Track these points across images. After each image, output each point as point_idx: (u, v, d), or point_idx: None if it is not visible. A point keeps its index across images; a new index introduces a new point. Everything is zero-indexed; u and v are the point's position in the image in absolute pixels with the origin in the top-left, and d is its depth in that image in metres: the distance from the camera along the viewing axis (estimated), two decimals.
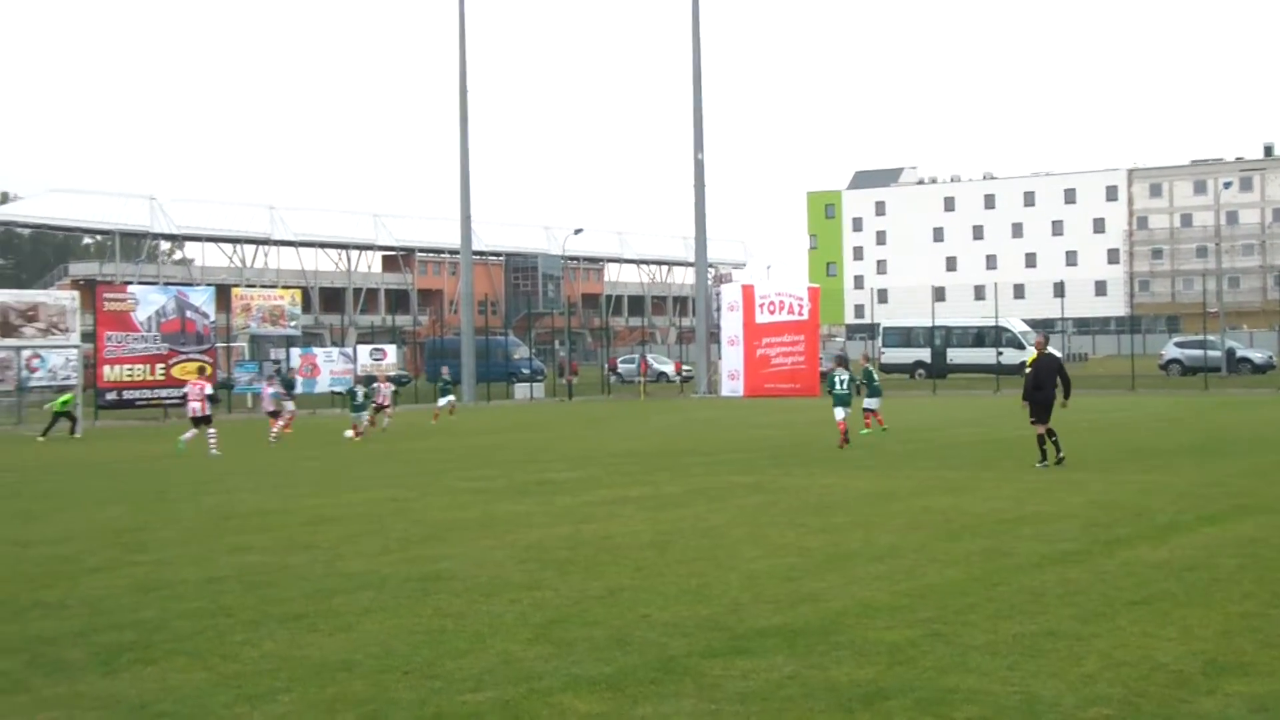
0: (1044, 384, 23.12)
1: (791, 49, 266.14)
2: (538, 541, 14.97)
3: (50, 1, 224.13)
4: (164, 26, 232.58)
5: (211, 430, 30.98)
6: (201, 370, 45.79)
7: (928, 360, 74.73)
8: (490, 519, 17.23)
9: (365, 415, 37.10)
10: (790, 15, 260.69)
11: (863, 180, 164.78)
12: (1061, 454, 22.83)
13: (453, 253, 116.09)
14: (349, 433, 35.48)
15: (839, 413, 29.38)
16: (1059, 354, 24.76)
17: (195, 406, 31.45)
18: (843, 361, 31.62)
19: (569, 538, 15.22)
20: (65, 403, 41.52)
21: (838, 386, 30.00)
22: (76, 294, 51.43)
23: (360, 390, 38.19)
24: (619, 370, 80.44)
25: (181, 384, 46.02)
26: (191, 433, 31.20)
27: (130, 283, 68.60)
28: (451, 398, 44.72)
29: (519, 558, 13.77)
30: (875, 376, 34.00)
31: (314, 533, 16.19)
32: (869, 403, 33.41)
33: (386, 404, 39.62)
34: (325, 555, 14.25)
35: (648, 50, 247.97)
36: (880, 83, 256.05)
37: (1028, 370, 23.80)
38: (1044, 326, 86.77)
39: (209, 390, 32.02)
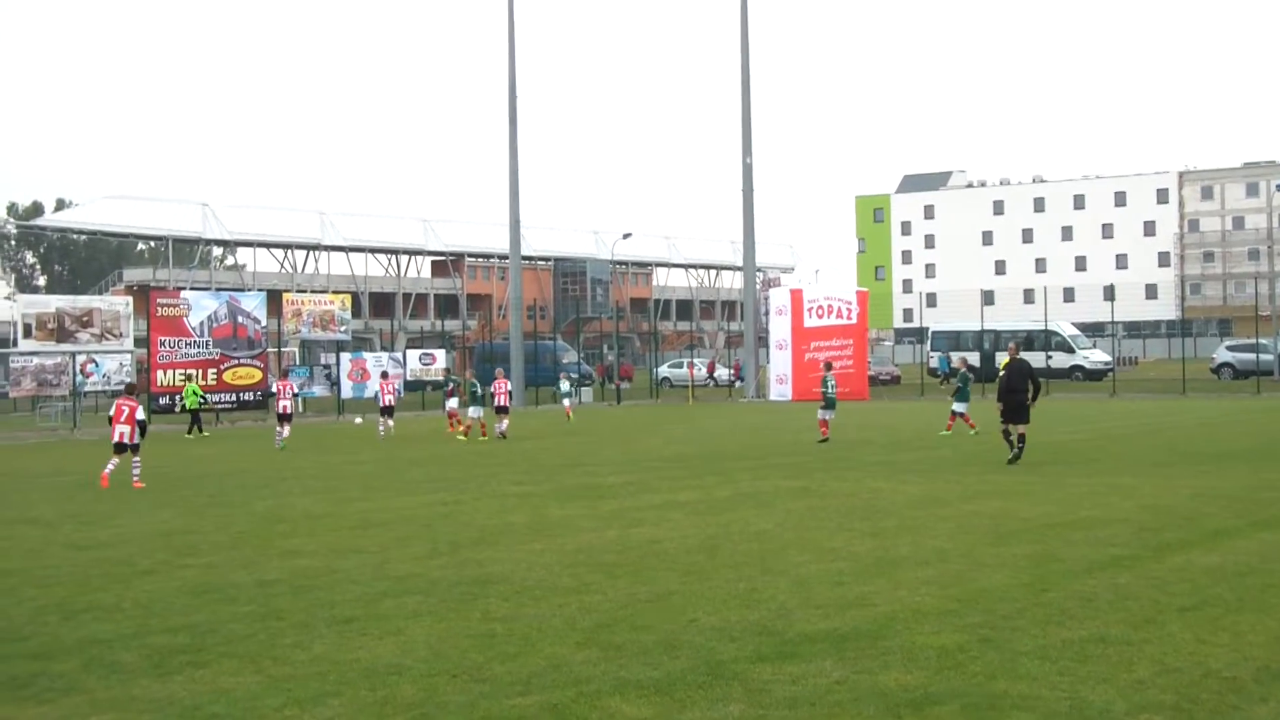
0: (1016, 387, 24.67)
1: (840, 52, 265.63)
2: (586, 546, 14.99)
3: (105, 12, 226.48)
4: (216, 35, 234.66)
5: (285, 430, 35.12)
6: (287, 372, 46.20)
7: (976, 364, 74.27)
8: (538, 523, 17.27)
9: (479, 411, 37.28)
10: (839, 18, 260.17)
11: (911, 184, 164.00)
12: (1018, 453, 24.19)
13: (502, 257, 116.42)
14: (461, 435, 36.28)
15: (825, 414, 32.23)
16: (1028, 359, 26.93)
17: (285, 405, 35.85)
18: (964, 363, 35.91)
19: (617, 542, 15.24)
20: (194, 393, 44.71)
21: (829, 390, 33.06)
22: (130, 299, 52.06)
23: (476, 383, 38.73)
24: (714, 375, 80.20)
25: (233, 389, 46.41)
26: (286, 430, 35.19)
27: (183, 288, 69.23)
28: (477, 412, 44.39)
29: (567, 562, 13.80)
30: (969, 380, 35.31)
31: (363, 537, 16.28)
32: (957, 406, 34.12)
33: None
34: (374, 559, 14.33)
35: (696, 54, 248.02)
36: (929, 86, 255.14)
37: (1001, 374, 25.53)
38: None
39: (294, 390, 34.15)
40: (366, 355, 59.66)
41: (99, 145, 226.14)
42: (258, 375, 51.07)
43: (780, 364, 62.54)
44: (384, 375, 43.29)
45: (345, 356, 56.83)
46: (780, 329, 62.69)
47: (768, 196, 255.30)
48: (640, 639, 9.98)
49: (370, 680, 8.90)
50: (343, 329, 58.02)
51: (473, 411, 37.06)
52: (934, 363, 74.92)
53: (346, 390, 54.90)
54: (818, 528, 16.19)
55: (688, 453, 29.77)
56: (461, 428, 36.93)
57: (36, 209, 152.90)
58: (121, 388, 31.05)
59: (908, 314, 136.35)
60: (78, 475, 27.19)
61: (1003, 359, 27.61)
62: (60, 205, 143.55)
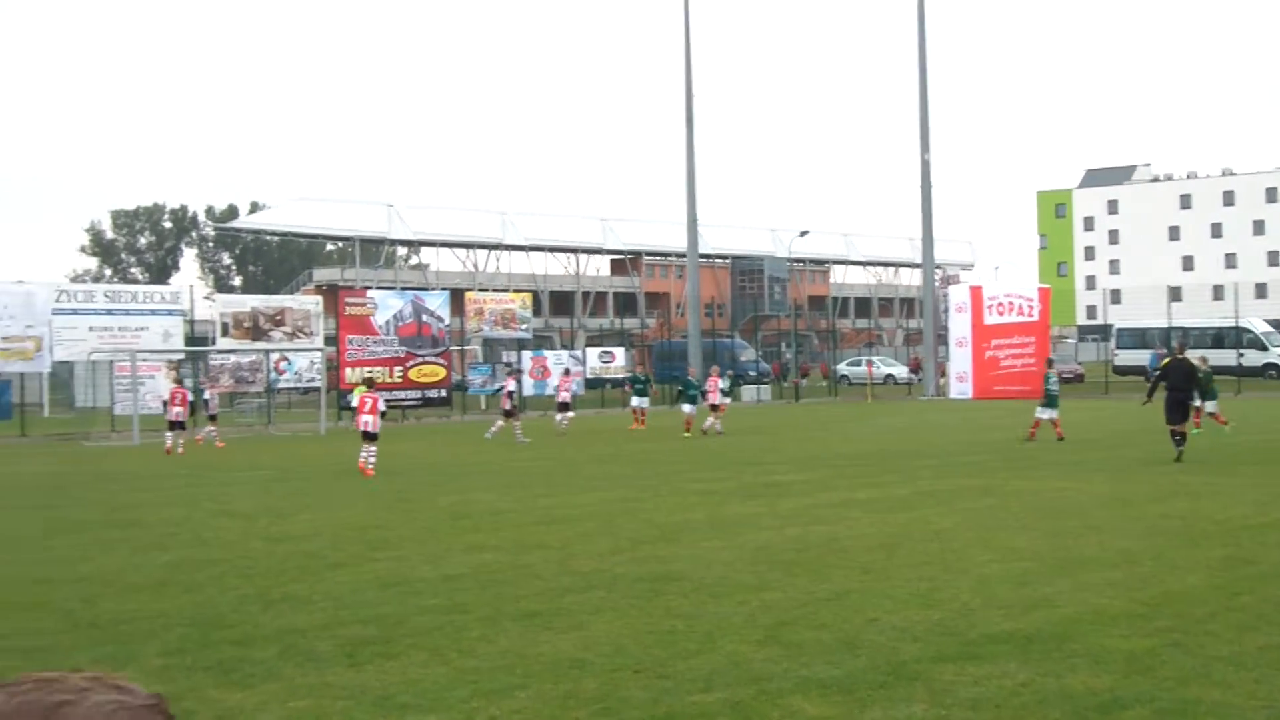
0: (1178, 386, 24.68)
1: (1020, 45, 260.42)
2: (766, 543, 15.02)
3: (289, 24, 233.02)
4: (397, 41, 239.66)
5: (517, 423, 36.05)
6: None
7: (1158, 363, 72.31)
8: (719, 520, 17.34)
9: (693, 408, 37.46)
10: (1019, 10, 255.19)
11: (1094, 178, 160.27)
12: (1180, 455, 24.12)
13: (679, 256, 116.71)
14: (686, 433, 36.60)
15: (1045, 413, 31.33)
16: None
17: (506, 402, 37.02)
18: (1050, 364, 34.20)
19: (797, 540, 15.24)
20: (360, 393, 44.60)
21: (1052, 387, 32.24)
22: (320, 299, 53.52)
23: (693, 380, 38.97)
24: (919, 373, 78.95)
25: (418, 387, 47.39)
26: (499, 425, 36.43)
27: (369, 287, 70.77)
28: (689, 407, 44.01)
29: (747, 559, 13.84)
30: (1212, 378, 34.47)
31: (546, 532, 16.52)
32: (1208, 405, 33.30)
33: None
34: (558, 554, 14.54)
35: (873, 50, 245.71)
36: (1112, 78, 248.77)
37: (1155, 374, 25.70)
38: None
39: (512, 387, 36.36)
40: (547, 353, 60.40)
41: (290, 149, 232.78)
42: (441, 373, 52.08)
43: (960, 361, 61.82)
44: (566, 372, 43.84)
45: (526, 354, 57.61)
46: (960, 326, 61.94)
47: (946, 193, 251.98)
48: (821, 637, 9.98)
49: (554, 674, 9.05)
50: (523, 327, 58.82)
51: (686, 408, 37.12)
52: (1121, 359, 73.08)
53: (528, 387, 55.67)
54: (1000, 527, 15.98)
55: (867, 451, 29.58)
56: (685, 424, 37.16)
57: (232, 212, 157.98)
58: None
59: (1091, 311, 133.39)
60: (272, 470, 28.05)
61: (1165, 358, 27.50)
62: (254, 208, 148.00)
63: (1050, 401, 31.85)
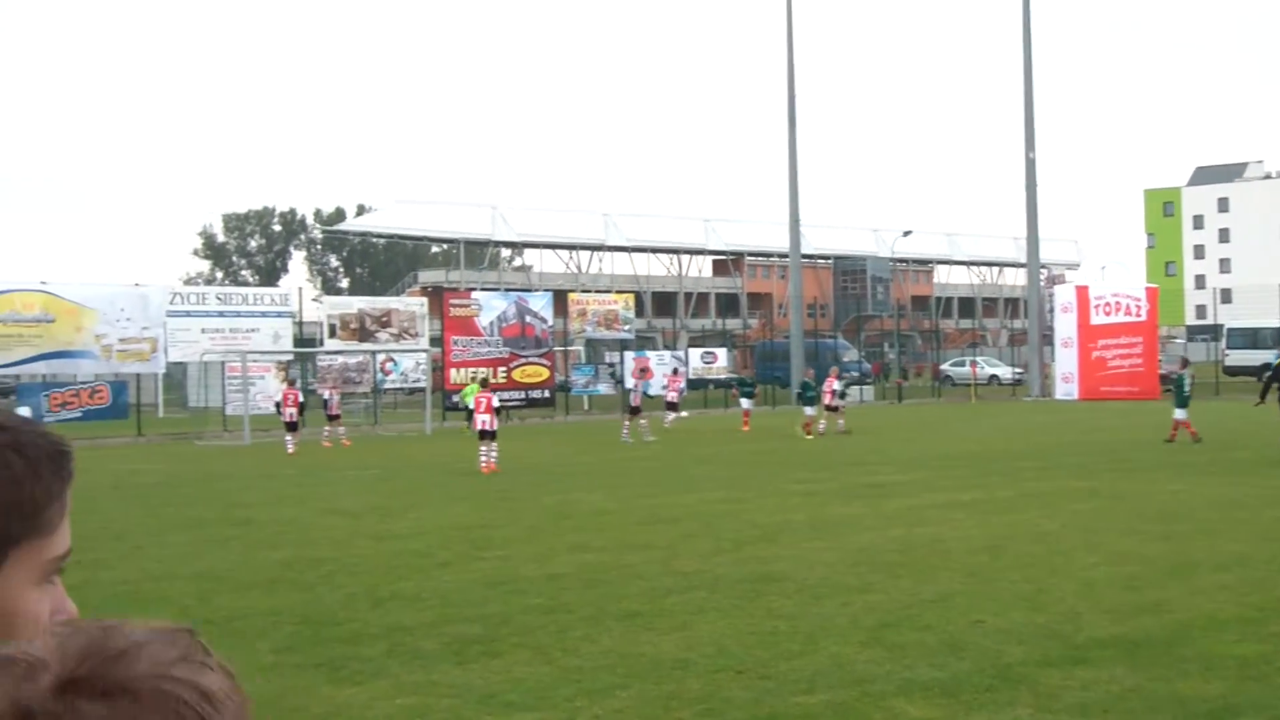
0: None
1: (1126, 41, 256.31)
2: (868, 544, 14.97)
3: (398, 25, 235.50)
4: (506, 44, 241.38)
5: (644, 422, 36.22)
6: (644, 370, 47.57)
7: (1275, 362, 70.75)
8: (821, 521, 17.31)
9: (814, 409, 36.77)
10: (1124, 7, 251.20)
11: (1204, 176, 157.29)
12: None
13: (782, 256, 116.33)
14: (805, 435, 35.86)
15: (1179, 413, 30.32)
16: None
17: (637, 400, 37.11)
18: (1186, 363, 33.03)
19: (900, 541, 15.17)
20: (471, 393, 45.57)
21: (1186, 388, 31.17)
22: (425, 300, 54.10)
23: (811, 382, 38.36)
24: (1012, 373, 77.70)
25: (522, 387, 47.69)
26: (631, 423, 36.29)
27: (474, 289, 71.40)
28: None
29: (850, 560, 13.81)
30: None
31: (649, 533, 16.59)
32: None
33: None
34: (660, 555, 14.60)
35: (978, 46, 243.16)
36: (1221, 73, 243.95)
37: (1268, 374, 24.43)
38: None
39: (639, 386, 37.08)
40: (649, 354, 60.52)
41: (397, 152, 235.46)
42: (544, 373, 52.39)
43: (1066, 362, 61.13)
44: (674, 372, 44.04)
45: (629, 355, 57.77)
46: (1066, 326, 61.27)
47: (1051, 192, 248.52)
48: (924, 639, 9.94)
49: (657, 674, 9.11)
50: (626, 328, 58.98)
51: (809, 410, 36.72)
52: (1232, 359, 71.54)
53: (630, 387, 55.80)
54: (1107, 530, 15.79)
55: (971, 452, 29.32)
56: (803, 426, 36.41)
57: (340, 214, 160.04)
58: (477, 382, 36.22)
59: (1200, 310, 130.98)
60: (379, 469, 28.41)
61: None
62: (361, 210, 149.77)
63: (1183, 402, 31.36)
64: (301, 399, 36.43)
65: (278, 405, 36.87)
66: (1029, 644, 9.73)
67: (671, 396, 41.12)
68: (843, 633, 10.27)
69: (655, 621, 10.90)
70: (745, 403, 43.03)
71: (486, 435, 27.54)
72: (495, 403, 28.31)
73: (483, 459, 27.24)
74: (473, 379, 49.32)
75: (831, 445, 33.18)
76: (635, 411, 36.77)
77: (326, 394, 39.05)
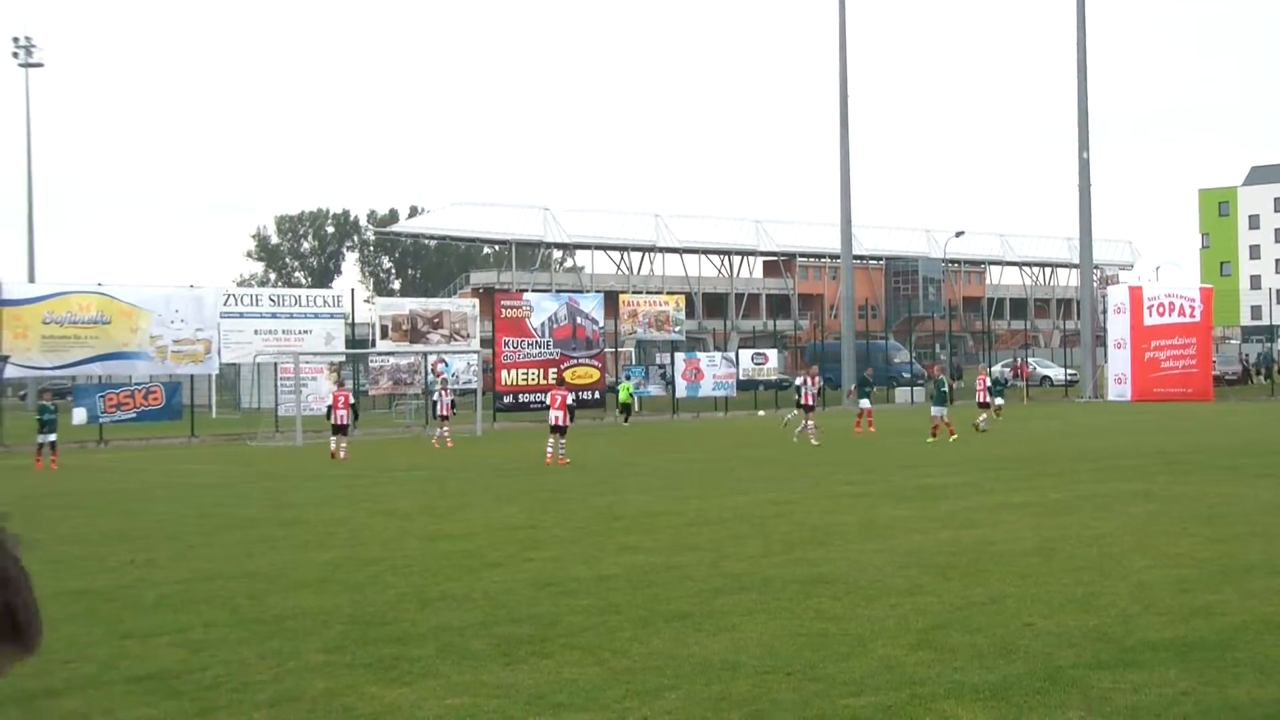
0: None
1: (1181, 40, 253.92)
2: (919, 547, 14.90)
3: (450, 27, 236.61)
4: (555, 47, 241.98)
5: (811, 423, 34.73)
6: (814, 366, 47.31)
7: None
8: (871, 523, 17.25)
9: (944, 410, 35.01)
10: (1180, 5, 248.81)
11: (1260, 175, 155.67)
12: None
13: (833, 257, 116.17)
14: (931, 438, 34.26)
15: (937, 411, 32.35)
16: None
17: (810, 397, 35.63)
18: (942, 368, 35.88)
19: (950, 543, 15.10)
20: (628, 392, 49.85)
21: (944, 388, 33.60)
22: (476, 301, 54.31)
23: (945, 379, 36.84)
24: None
25: (573, 388, 47.80)
26: (808, 424, 34.77)
27: (525, 290, 71.68)
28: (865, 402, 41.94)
29: (900, 562, 13.75)
30: None
31: (698, 534, 16.58)
32: None
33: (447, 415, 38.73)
34: (709, 556, 14.58)
35: (1031, 45, 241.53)
36: (1278, 71, 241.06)
37: None
38: None
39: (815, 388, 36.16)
40: (700, 355, 60.49)
41: (450, 154, 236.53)
42: (595, 374, 52.47)
43: (1119, 363, 60.73)
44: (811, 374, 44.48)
45: (680, 356, 57.77)
46: (1119, 328, 60.89)
47: (1105, 192, 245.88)
48: (975, 642, 9.89)
49: (706, 675, 9.10)
50: (677, 329, 58.97)
51: (935, 410, 35.18)
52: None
53: (681, 389, 55.79)
54: (1160, 532, 15.64)
55: (1022, 454, 29.14)
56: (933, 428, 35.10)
57: (392, 216, 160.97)
58: (555, 380, 36.86)
59: (1256, 311, 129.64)
60: (429, 470, 28.54)
61: None
62: (413, 212, 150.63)
63: (941, 400, 32.40)
64: (354, 400, 35.84)
65: (328, 409, 35.90)
66: (1080, 646, 9.65)
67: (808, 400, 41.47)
68: (892, 635, 10.23)
69: (704, 623, 10.89)
70: (864, 403, 41.58)
71: (557, 430, 28.83)
72: (570, 400, 29.54)
73: (549, 451, 28.52)
74: (626, 378, 52.45)
75: (879, 447, 33.05)
76: (809, 409, 35.25)
77: (437, 395, 38.97)
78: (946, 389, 35.87)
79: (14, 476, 29.90)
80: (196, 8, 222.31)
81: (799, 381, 37.30)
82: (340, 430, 33.85)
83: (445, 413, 38.12)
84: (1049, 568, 13.20)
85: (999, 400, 39.73)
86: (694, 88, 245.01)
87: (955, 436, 33.90)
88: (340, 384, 37.89)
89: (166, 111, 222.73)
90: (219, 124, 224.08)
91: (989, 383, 38.48)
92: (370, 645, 10.32)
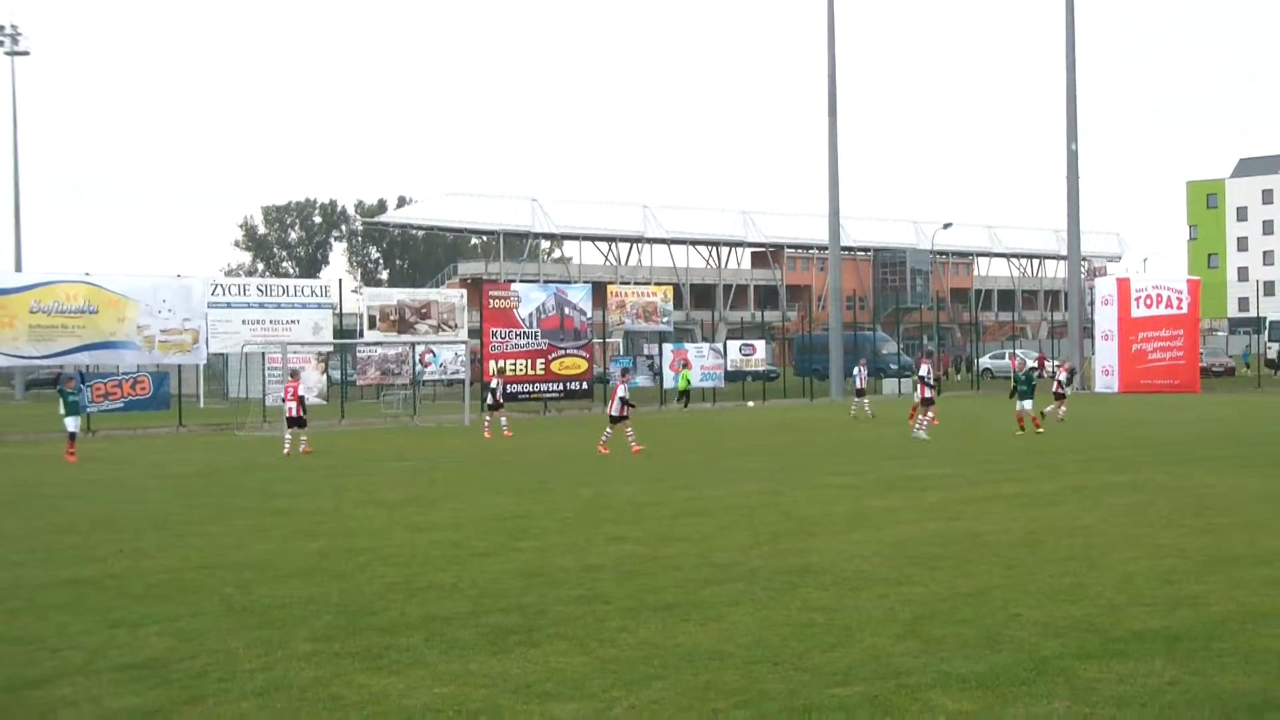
0: None
1: (1171, 32, 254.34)
2: (906, 537, 14.95)
3: (438, 18, 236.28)
4: (541, 38, 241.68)
5: (930, 415, 32.86)
6: (929, 354, 47.05)
7: None
8: (858, 514, 17.28)
9: (1030, 403, 33.49)
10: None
11: (1248, 168, 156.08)
12: None
13: (821, 249, 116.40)
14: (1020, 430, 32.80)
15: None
16: None
17: (927, 392, 33.70)
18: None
19: (938, 534, 15.14)
20: (686, 379, 52.05)
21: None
22: (464, 292, 54.21)
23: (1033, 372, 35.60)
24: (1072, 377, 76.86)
25: (560, 379, 47.53)
26: (926, 419, 32.65)
27: (513, 281, 71.61)
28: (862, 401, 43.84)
29: (887, 553, 13.79)
30: None
31: (686, 524, 16.61)
32: None
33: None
34: (697, 547, 14.61)
35: (1019, 37, 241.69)
36: (1267, 65, 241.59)
37: None
38: None
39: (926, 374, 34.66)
40: (688, 346, 60.51)
41: (437, 144, 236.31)
42: (583, 365, 52.45)
43: (1106, 355, 60.90)
44: (862, 363, 46.90)
45: (667, 347, 57.77)
46: (1106, 319, 61.05)
47: (1093, 183, 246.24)
48: (961, 632, 9.93)
49: (693, 665, 9.13)
50: (664, 320, 58.97)
51: (1021, 405, 33.50)
52: (1275, 352, 71.04)
53: (668, 380, 55.80)
54: (1146, 523, 15.71)
55: (1010, 446, 29.20)
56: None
57: (380, 206, 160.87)
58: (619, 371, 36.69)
59: (1243, 303, 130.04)
60: (416, 460, 28.52)
61: None
62: (401, 202, 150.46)
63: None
64: (302, 393, 32.82)
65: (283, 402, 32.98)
66: (1066, 637, 9.70)
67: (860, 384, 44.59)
68: (879, 625, 10.26)
69: (692, 613, 10.92)
70: (1025, 403, 40.40)
71: (616, 420, 29.84)
72: (622, 392, 30.23)
73: (604, 437, 29.61)
74: (685, 365, 54.63)
75: (867, 438, 33.09)
76: (928, 404, 33.44)
77: (494, 383, 38.46)
78: (1031, 383, 34.14)
79: (3, 465, 29.81)
80: None
81: (922, 372, 34.92)
82: (296, 423, 31.45)
83: (498, 401, 37.49)
84: (1036, 559, 13.25)
85: (1067, 390, 39.85)
86: (682, 78, 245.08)
87: (1041, 430, 32.87)
88: (294, 374, 34.84)
89: (154, 100, 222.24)
90: (207, 113, 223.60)
91: (1062, 376, 38.97)
92: (358, 634, 10.33)
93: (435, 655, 9.63)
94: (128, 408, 43.63)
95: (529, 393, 49.99)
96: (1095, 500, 18.25)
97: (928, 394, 33.75)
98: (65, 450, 31.01)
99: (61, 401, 31.92)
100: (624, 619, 10.73)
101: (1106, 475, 21.76)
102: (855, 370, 46.31)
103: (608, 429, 29.88)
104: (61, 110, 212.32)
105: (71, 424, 31.71)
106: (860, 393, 44.45)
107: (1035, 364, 43.16)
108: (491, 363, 45.40)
